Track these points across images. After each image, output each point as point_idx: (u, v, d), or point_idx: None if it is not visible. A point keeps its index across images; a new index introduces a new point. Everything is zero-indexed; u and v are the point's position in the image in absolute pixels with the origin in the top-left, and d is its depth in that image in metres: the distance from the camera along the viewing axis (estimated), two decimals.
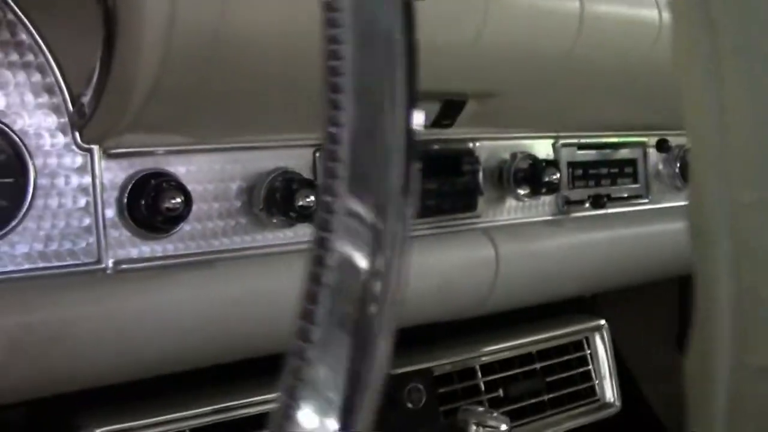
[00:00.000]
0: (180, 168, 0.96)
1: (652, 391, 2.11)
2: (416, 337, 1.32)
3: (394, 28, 0.40)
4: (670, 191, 1.57)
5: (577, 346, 1.63)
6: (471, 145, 1.23)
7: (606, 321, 1.64)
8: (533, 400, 1.51)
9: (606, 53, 1.22)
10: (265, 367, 1.18)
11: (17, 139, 0.86)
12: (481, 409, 0.99)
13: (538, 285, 1.35)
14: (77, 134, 0.89)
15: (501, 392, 1.43)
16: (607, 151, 1.46)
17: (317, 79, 1.00)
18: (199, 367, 1.04)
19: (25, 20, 0.86)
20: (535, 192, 1.28)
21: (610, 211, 1.44)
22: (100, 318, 0.91)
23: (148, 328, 0.94)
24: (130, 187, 0.92)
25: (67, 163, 0.89)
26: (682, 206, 1.57)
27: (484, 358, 1.42)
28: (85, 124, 0.88)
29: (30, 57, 0.87)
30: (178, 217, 0.90)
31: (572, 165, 1.39)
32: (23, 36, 0.86)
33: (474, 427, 0.88)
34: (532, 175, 1.26)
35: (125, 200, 0.92)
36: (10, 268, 0.86)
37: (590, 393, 1.63)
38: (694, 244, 0.74)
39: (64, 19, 0.88)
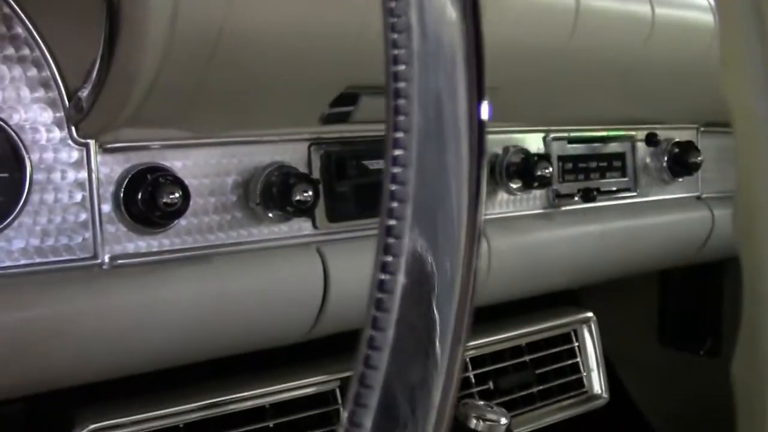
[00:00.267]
0: (176, 162, 0.96)
1: (634, 384, 2.13)
2: None
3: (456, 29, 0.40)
4: (658, 185, 1.58)
5: (566, 338, 1.64)
6: None
7: None
8: (523, 393, 1.52)
9: (600, 49, 1.22)
10: (258, 362, 1.18)
11: (13, 133, 0.85)
12: (481, 402, 0.99)
13: (529, 278, 1.36)
14: (73, 129, 0.89)
15: (491, 384, 1.44)
16: (597, 144, 1.46)
17: (315, 75, 1.00)
18: (196, 361, 1.04)
19: (22, 14, 0.86)
20: (527, 186, 1.28)
21: (599, 204, 1.44)
22: (97, 313, 0.90)
23: (145, 323, 0.94)
24: (126, 181, 0.91)
25: (63, 157, 0.89)
26: (669, 199, 1.60)
27: (474, 351, 1.43)
28: (83, 118, 0.87)
29: (26, 51, 0.86)
30: (176, 212, 0.90)
31: (562, 159, 1.39)
32: (19, 30, 0.86)
33: (474, 421, 0.88)
34: (525, 169, 1.26)
35: (122, 195, 0.91)
36: (7, 263, 0.86)
37: (578, 385, 1.64)
38: (742, 248, 0.74)
39: (60, 13, 0.87)
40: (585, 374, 1.65)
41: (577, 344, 1.65)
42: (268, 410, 1.18)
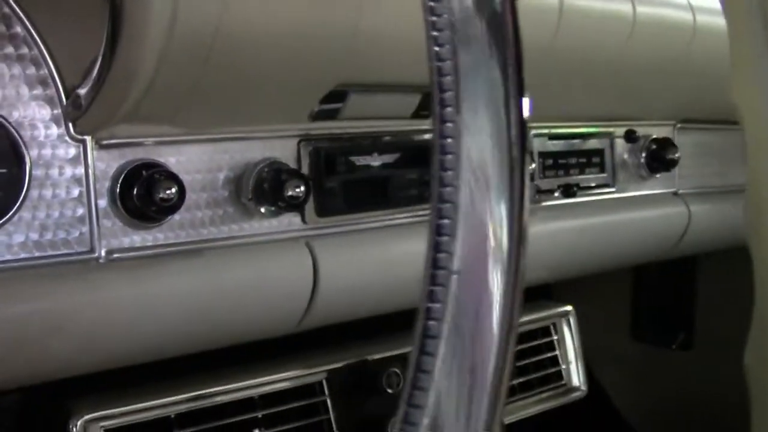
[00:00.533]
0: (170, 158, 0.98)
1: (607, 378, 2.16)
2: (393, 323, 1.35)
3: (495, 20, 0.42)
4: (636, 180, 1.61)
5: (545, 331, 1.67)
6: None
7: None
8: None
9: (583, 47, 1.25)
10: (246, 355, 1.21)
11: (13, 130, 0.87)
12: None
13: None
14: (70, 125, 0.91)
15: None
16: (577, 141, 1.49)
17: (307, 73, 1.02)
18: (190, 352, 1.06)
19: (21, 13, 0.87)
20: None
21: (579, 200, 1.47)
22: (94, 306, 0.92)
23: (140, 315, 0.96)
24: (122, 177, 0.93)
25: (60, 154, 0.91)
26: (646, 195, 1.63)
27: None
28: (80, 115, 0.89)
29: (24, 50, 0.88)
30: (172, 207, 0.92)
31: (543, 155, 1.42)
32: (18, 29, 0.88)
33: None
34: None
35: (117, 190, 0.93)
36: (7, 257, 0.88)
37: (557, 378, 1.67)
38: (752, 243, 0.77)
39: (58, 12, 0.89)
40: (564, 367, 1.68)
41: (556, 337, 1.68)
42: (257, 401, 1.21)
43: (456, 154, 0.42)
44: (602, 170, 1.54)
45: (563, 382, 1.68)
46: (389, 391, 1.31)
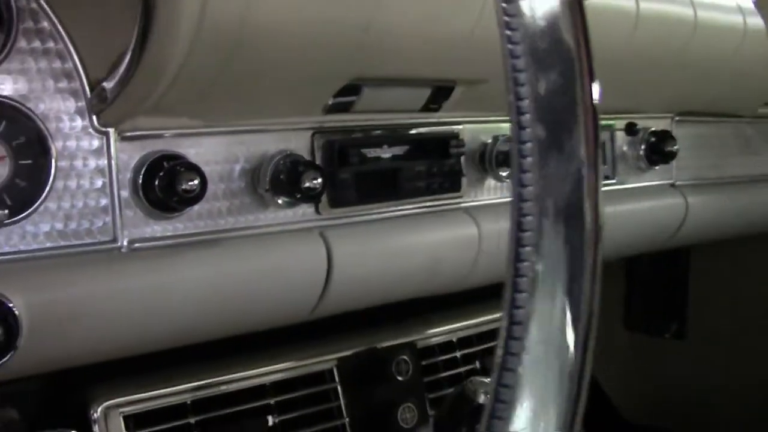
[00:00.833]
0: (190, 150, 1.00)
1: (600, 367, 2.19)
2: (399, 312, 1.38)
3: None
4: (634, 172, 1.63)
5: None
6: (457, 128, 1.28)
7: None
8: None
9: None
10: (258, 343, 1.23)
11: (39, 122, 0.89)
12: (487, 379, 1.04)
13: None
14: (94, 118, 0.93)
15: (477, 364, 1.49)
16: None
17: (325, 66, 1.04)
18: (207, 339, 1.09)
19: (47, 8, 0.89)
20: None
21: None
22: (116, 294, 0.95)
23: (160, 303, 0.98)
24: (144, 168, 0.95)
25: (84, 145, 0.93)
26: (645, 186, 1.65)
27: (461, 332, 1.48)
28: (105, 108, 0.91)
29: (51, 44, 0.90)
30: (194, 198, 0.94)
31: None
32: (45, 23, 0.90)
33: (483, 396, 0.93)
34: None
35: (140, 181, 0.96)
36: (34, 246, 0.90)
37: None
38: None
39: (83, 7, 0.91)
40: None
41: None
42: (269, 388, 1.23)
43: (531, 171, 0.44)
44: (603, 162, 1.56)
45: None
46: (399, 378, 1.33)
